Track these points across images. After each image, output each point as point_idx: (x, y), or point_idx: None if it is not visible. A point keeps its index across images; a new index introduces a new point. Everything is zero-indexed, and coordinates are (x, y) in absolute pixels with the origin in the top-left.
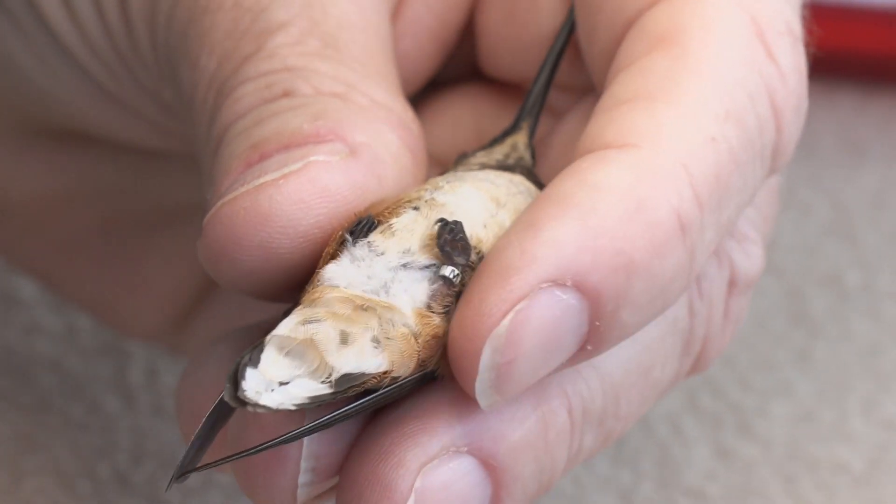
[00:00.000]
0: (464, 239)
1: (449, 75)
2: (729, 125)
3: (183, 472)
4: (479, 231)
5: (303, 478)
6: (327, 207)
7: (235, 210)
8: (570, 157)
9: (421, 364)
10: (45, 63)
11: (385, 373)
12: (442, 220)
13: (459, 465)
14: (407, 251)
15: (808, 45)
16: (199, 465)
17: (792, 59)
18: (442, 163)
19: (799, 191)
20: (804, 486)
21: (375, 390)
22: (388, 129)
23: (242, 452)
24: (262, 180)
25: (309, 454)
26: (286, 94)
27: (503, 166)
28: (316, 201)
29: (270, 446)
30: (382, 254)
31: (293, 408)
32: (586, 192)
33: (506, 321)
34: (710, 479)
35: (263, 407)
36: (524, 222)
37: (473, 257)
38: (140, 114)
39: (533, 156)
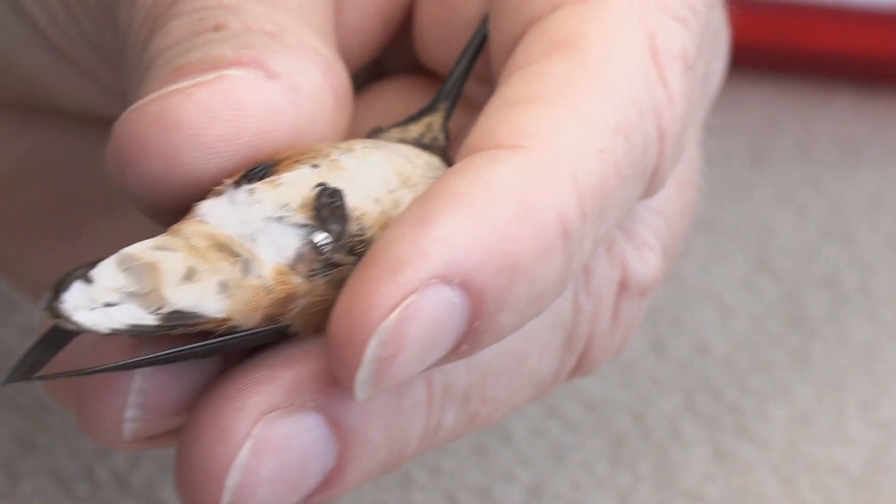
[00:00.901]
0: (341, 207)
1: (394, 65)
2: (618, 139)
3: (9, 379)
4: (366, 204)
5: (130, 412)
6: (237, 121)
7: (143, 115)
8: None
9: (269, 319)
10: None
11: (223, 320)
12: (322, 184)
13: (303, 420)
14: (286, 206)
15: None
16: (30, 377)
17: (681, 86)
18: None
19: (796, 192)
20: (802, 487)
21: (219, 336)
22: (314, 67)
23: (64, 373)
24: (172, 87)
25: (138, 389)
26: (217, 27)
27: (419, 144)
28: (225, 113)
29: (92, 372)
30: (260, 202)
31: (107, 331)
32: (479, 190)
33: (394, 314)
34: (708, 481)
35: (74, 323)
36: (416, 215)
37: (353, 228)
38: (85, 70)
39: (447, 137)
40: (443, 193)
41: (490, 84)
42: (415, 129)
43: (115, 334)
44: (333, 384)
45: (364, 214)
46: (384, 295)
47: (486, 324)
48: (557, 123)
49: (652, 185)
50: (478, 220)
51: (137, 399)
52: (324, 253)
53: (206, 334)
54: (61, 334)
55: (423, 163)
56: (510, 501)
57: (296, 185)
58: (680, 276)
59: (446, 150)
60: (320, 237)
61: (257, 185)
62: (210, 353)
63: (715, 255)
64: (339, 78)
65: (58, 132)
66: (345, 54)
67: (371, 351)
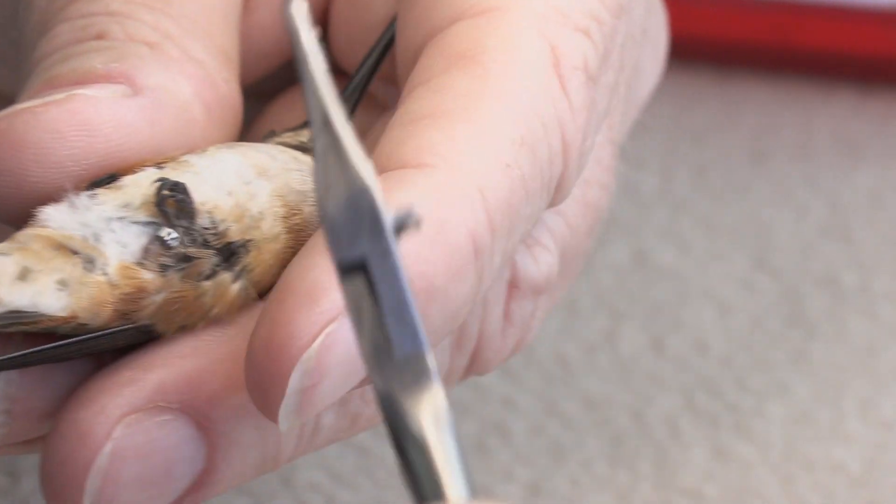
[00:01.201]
0: (185, 200)
1: None
2: (523, 152)
3: None
4: (218, 196)
5: None
6: (85, 141)
7: None
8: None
9: (122, 316)
10: None
11: (68, 318)
12: (162, 179)
13: (168, 422)
14: (127, 205)
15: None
16: None
17: (583, 97)
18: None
19: (795, 191)
20: (801, 486)
21: (64, 335)
22: (185, 81)
23: None
24: (21, 106)
25: (3, 394)
26: (99, 36)
27: (302, 148)
28: (73, 133)
29: None
30: (101, 204)
31: None
32: (387, 217)
33: (316, 344)
34: (707, 480)
35: None
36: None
37: (204, 221)
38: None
39: None
40: None
41: (396, 84)
42: (305, 134)
43: None
44: (200, 385)
45: (216, 207)
46: (304, 325)
47: None
48: (462, 140)
49: (557, 195)
50: None
51: (2, 405)
52: (172, 248)
53: (55, 334)
54: None
55: (286, 157)
56: (510, 499)
57: (138, 184)
58: (679, 275)
59: None
60: (165, 232)
61: (99, 190)
62: (70, 356)
63: (714, 253)
64: (218, 91)
65: None
66: (257, 53)
67: (294, 382)
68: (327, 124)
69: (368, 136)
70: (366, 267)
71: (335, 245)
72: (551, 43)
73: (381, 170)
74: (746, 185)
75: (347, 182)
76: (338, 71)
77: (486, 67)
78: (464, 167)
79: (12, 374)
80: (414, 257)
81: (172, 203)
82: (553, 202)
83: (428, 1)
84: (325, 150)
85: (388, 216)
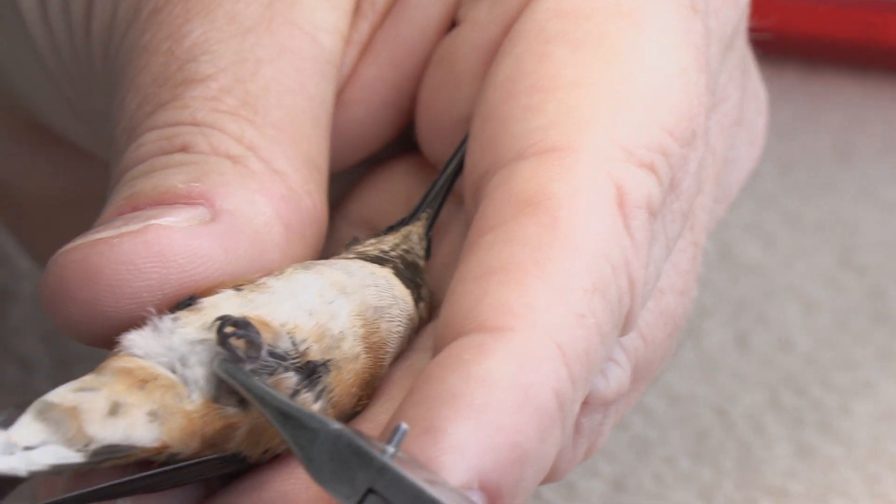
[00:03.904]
0: (250, 335)
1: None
2: (595, 299)
3: None
4: (299, 317)
5: None
6: (160, 272)
7: (68, 262)
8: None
9: (209, 445)
10: (22, 63)
11: (160, 448)
12: (222, 317)
13: None
14: (210, 327)
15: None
16: None
17: (645, 234)
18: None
19: (880, 188)
20: (886, 485)
21: (164, 463)
22: (265, 200)
23: None
24: (98, 236)
25: None
26: (183, 148)
27: (380, 259)
28: (147, 265)
29: None
30: (183, 327)
31: (26, 474)
32: (475, 388)
33: None
34: (791, 478)
35: None
36: (420, 426)
37: (285, 344)
38: (101, 136)
39: (428, 248)
40: (441, 397)
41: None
42: (388, 241)
43: (36, 475)
44: None
45: (296, 327)
46: None
47: None
48: (536, 298)
49: (625, 328)
50: (481, 419)
51: None
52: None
53: (145, 463)
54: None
55: (364, 273)
56: (593, 495)
57: (218, 307)
58: (764, 271)
59: (420, 264)
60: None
61: (180, 313)
62: (162, 485)
63: (799, 250)
64: (300, 207)
65: (101, 165)
66: (349, 146)
67: None
68: (287, 417)
69: (449, 229)
70: (373, 489)
71: (340, 493)
72: (616, 182)
73: (458, 331)
74: (832, 181)
75: (321, 436)
76: (423, 160)
77: (554, 215)
78: (541, 326)
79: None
80: (505, 430)
81: (238, 339)
82: (621, 334)
83: (497, 127)
84: (293, 434)
85: (365, 442)
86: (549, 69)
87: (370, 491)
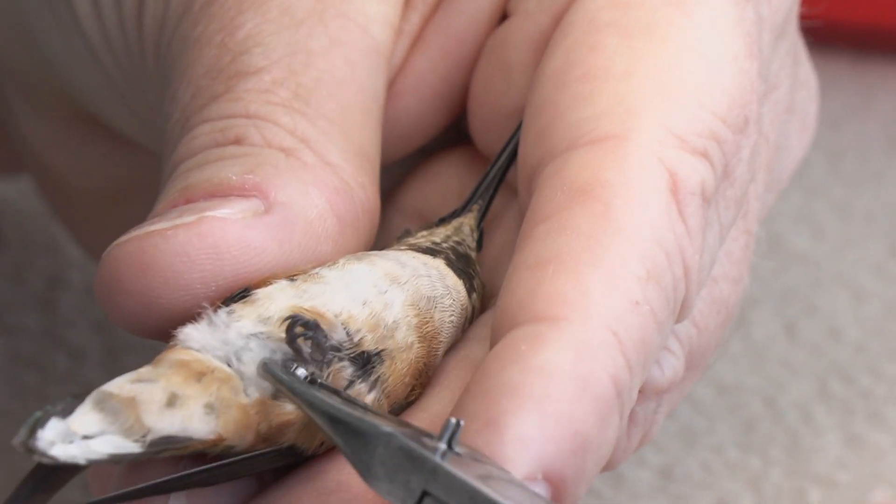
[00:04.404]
0: (317, 338)
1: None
2: (650, 286)
3: None
4: (353, 307)
5: None
6: (214, 264)
7: (122, 254)
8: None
9: (264, 439)
10: (75, 57)
11: (216, 440)
12: (293, 316)
13: None
14: (265, 320)
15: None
16: None
17: (699, 221)
18: (427, 222)
19: None
20: None
21: (219, 456)
22: (318, 192)
23: None
24: (152, 228)
25: None
26: (237, 140)
27: (432, 250)
28: (201, 257)
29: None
30: (238, 320)
31: (85, 462)
32: (535, 379)
33: None
34: (840, 467)
35: (51, 458)
36: (482, 420)
37: (340, 335)
38: (153, 128)
39: (480, 239)
40: (500, 389)
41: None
42: (440, 233)
43: (94, 464)
44: None
45: (350, 318)
46: None
47: (566, 500)
48: (591, 286)
49: (680, 315)
50: (543, 410)
51: None
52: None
53: (200, 455)
54: (55, 472)
55: (416, 263)
56: (642, 484)
57: (272, 298)
58: (813, 261)
59: (472, 255)
60: (300, 373)
61: (235, 306)
62: (218, 479)
63: (849, 239)
64: (353, 199)
65: (151, 155)
66: (400, 137)
67: None
68: (337, 422)
69: (502, 220)
70: (428, 491)
71: (396, 497)
72: (669, 170)
73: (513, 322)
74: (882, 171)
75: (373, 440)
76: (474, 150)
77: (607, 204)
78: (596, 314)
79: (181, 503)
80: (567, 419)
81: (305, 340)
82: (677, 321)
83: (550, 117)
84: (345, 439)
85: (417, 443)
86: (601, 59)
87: (425, 493)
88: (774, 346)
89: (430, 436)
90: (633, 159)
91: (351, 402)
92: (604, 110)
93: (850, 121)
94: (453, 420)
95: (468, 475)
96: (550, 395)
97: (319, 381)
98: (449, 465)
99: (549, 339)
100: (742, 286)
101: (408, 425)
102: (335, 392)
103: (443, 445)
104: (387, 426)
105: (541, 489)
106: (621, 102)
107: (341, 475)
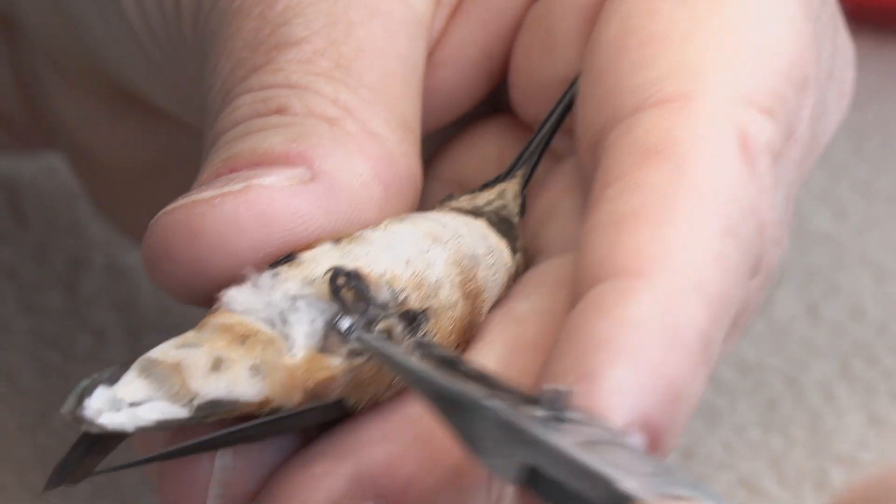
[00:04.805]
0: (360, 286)
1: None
2: (728, 242)
3: (49, 485)
4: (396, 267)
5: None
6: (262, 232)
7: (170, 222)
8: (557, 228)
9: (311, 395)
10: (111, 31)
11: (263, 402)
12: (334, 267)
13: None
14: (311, 281)
15: None
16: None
17: (771, 177)
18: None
19: None
20: None
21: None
22: (362, 161)
23: (102, 470)
24: (199, 196)
25: (217, 482)
26: (279, 110)
27: (474, 213)
28: (250, 224)
29: (125, 466)
30: (284, 282)
31: (133, 430)
32: (625, 332)
33: None
34: (862, 447)
35: (98, 426)
36: (576, 374)
37: (384, 294)
38: (192, 101)
39: (523, 206)
40: (592, 343)
41: (572, 136)
42: (483, 197)
43: (143, 431)
44: (393, 473)
45: (394, 277)
46: None
47: (659, 452)
48: (671, 241)
49: (756, 271)
50: (637, 362)
51: (217, 492)
52: (350, 338)
53: (247, 418)
54: (102, 438)
55: (457, 223)
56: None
57: (317, 260)
58: (836, 241)
59: (514, 221)
60: (345, 323)
61: (280, 268)
62: (267, 434)
63: (872, 219)
64: (397, 167)
65: (188, 130)
66: (440, 107)
67: None
68: (439, 396)
69: (545, 185)
70: (531, 464)
71: (501, 469)
72: (739, 128)
73: (594, 279)
74: None
75: (476, 414)
76: (514, 120)
77: (680, 162)
78: (679, 269)
79: (227, 460)
80: (660, 370)
81: (348, 291)
82: (754, 276)
83: (611, 83)
84: (449, 413)
85: (517, 415)
86: (659, 23)
87: (528, 465)
88: (797, 325)
89: (536, 400)
90: (703, 118)
91: (458, 364)
92: (668, 72)
93: (873, 101)
94: (552, 387)
95: (571, 444)
96: (642, 346)
97: (420, 341)
98: (549, 438)
99: (635, 293)
100: (782, 249)
101: (513, 390)
102: (441, 357)
103: (543, 413)
104: (489, 400)
105: (637, 440)
106: (685, 64)
107: (384, 426)
